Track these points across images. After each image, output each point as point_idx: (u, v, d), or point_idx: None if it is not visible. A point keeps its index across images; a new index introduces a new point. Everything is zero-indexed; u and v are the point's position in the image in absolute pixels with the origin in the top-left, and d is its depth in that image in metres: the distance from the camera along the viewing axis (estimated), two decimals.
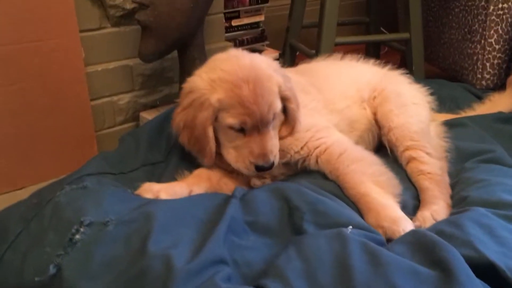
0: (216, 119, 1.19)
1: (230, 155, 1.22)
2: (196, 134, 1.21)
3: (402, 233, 1.07)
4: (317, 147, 1.28)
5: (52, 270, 0.96)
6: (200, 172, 1.27)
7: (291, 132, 1.28)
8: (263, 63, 1.23)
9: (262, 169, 1.19)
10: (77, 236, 0.99)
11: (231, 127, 1.18)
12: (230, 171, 1.28)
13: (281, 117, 1.27)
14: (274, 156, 1.20)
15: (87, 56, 1.73)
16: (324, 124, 1.34)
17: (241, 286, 0.90)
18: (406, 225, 1.10)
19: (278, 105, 1.21)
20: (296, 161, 1.30)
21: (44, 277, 0.96)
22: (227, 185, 1.27)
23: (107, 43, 1.79)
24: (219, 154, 1.24)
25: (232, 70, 1.17)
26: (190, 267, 0.87)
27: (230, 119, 1.17)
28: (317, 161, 1.28)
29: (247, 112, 1.15)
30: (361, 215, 1.16)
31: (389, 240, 1.09)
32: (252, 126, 1.17)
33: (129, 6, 1.76)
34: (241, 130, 1.19)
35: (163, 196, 1.15)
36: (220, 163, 1.27)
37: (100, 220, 1.02)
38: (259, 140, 1.18)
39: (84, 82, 1.68)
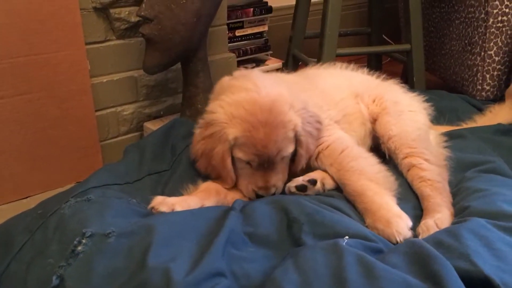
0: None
1: (239, 177, 1.31)
2: (214, 163, 1.28)
3: (396, 234, 1.12)
4: (319, 145, 1.34)
5: (55, 281, 0.98)
6: (208, 186, 1.30)
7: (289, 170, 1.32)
8: (285, 106, 1.25)
9: (261, 197, 1.27)
10: (80, 248, 1.01)
11: (241, 160, 1.26)
12: None
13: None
14: (276, 188, 1.28)
15: (93, 68, 1.77)
16: (326, 122, 1.39)
17: None
18: (398, 225, 1.14)
19: (289, 150, 1.27)
20: None
21: None
22: (234, 199, 1.29)
23: (112, 55, 1.82)
24: None
25: (253, 111, 1.22)
26: (188, 280, 0.89)
27: (240, 154, 1.25)
28: (317, 157, 1.34)
29: (257, 153, 1.23)
30: (361, 218, 1.20)
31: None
32: (259, 164, 1.25)
33: (133, 19, 1.80)
34: (249, 163, 1.26)
35: (178, 208, 1.17)
36: None
37: (102, 232, 1.04)
38: (263, 173, 1.26)
39: (89, 93, 1.72)
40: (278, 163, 1.27)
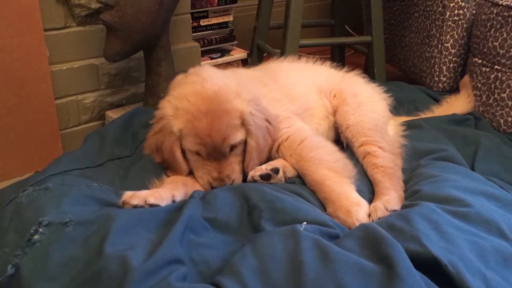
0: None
1: (194, 169, 1.32)
2: (166, 157, 1.30)
3: (356, 223, 1.16)
4: (279, 137, 1.37)
5: (10, 270, 0.97)
6: (174, 179, 1.30)
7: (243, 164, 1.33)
8: (230, 95, 1.27)
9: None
10: (36, 237, 1.00)
11: (190, 151, 1.28)
12: None
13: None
14: (233, 180, 1.29)
15: (52, 55, 1.73)
16: (285, 115, 1.42)
17: (196, 285, 0.92)
18: (358, 214, 1.18)
19: (237, 138, 1.28)
20: None
21: (2, 277, 0.97)
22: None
23: (72, 42, 1.79)
24: None
25: (196, 101, 1.24)
26: (145, 267, 0.89)
27: (187, 144, 1.27)
28: (278, 149, 1.37)
29: (202, 142, 1.24)
30: (323, 206, 1.23)
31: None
32: (208, 154, 1.27)
33: (94, 5, 1.77)
34: (199, 154, 1.28)
35: (152, 200, 1.15)
36: None
37: (59, 220, 1.03)
38: (216, 165, 1.28)
39: (48, 80, 1.68)
40: (230, 154, 1.29)
